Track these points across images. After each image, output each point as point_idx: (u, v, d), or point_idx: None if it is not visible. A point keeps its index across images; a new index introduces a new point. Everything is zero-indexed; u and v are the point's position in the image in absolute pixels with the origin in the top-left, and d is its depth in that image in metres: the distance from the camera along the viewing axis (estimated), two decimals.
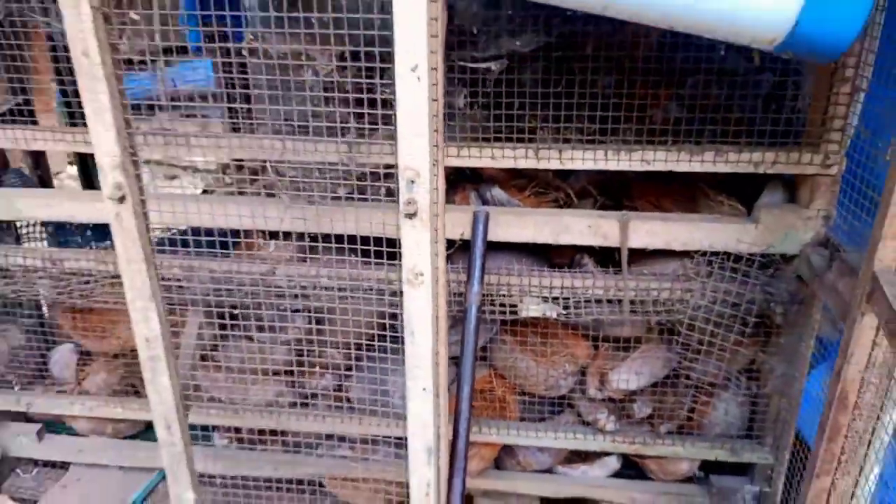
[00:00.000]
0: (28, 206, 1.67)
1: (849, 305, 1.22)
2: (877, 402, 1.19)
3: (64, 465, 2.10)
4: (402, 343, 1.31)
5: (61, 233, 2.04)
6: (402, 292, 1.26)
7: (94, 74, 1.14)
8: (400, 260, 1.26)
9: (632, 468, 1.92)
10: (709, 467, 1.86)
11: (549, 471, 1.91)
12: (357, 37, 1.12)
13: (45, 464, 2.11)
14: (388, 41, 1.08)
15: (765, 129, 1.49)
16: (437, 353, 1.33)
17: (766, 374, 1.69)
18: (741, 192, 1.63)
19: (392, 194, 1.47)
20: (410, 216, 1.18)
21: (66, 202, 1.67)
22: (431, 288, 1.24)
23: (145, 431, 2.07)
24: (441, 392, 1.37)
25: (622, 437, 1.77)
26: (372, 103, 1.20)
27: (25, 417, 2.07)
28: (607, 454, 1.87)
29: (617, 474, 1.90)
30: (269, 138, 1.45)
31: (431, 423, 1.36)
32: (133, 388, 1.94)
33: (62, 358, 1.94)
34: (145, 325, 1.35)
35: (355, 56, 1.12)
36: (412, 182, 1.16)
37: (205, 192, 2.36)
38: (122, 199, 1.23)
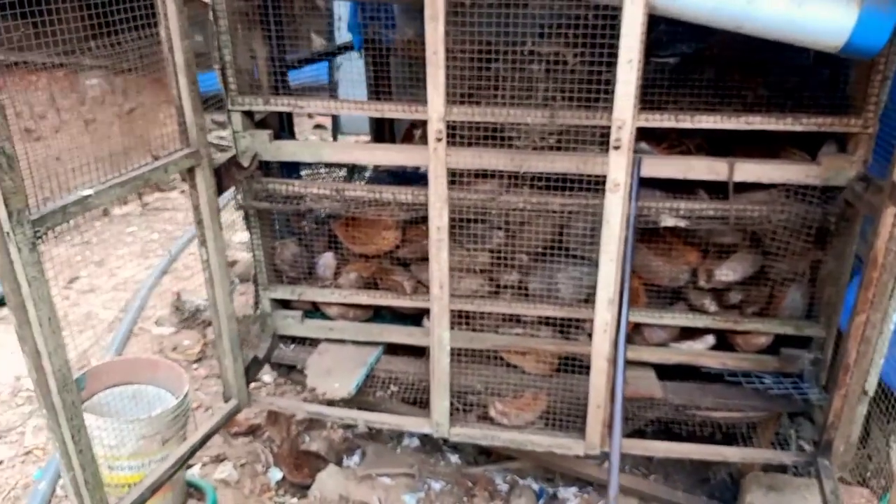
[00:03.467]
0: (329, 153, 2.53)
1: (877, 207, 2.02)
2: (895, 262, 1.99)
3: (312, 343, 2.96)
4: (600, 229, 2.14)
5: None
6: (605, 196, 2.09)
7: (437, 64, 1.99)
8: (574, 191, 2.09)
9: (723, 346, 2.72)
10: (780, 343, 2.65)
11: (664, 345, 2.73)
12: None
13: (298, 341, 2.98)
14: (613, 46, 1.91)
15: (825, 103, 2.30)
16: (622, 238, 2.15)
17: (822, 270, 2.49)
18: (808, 147, 2.43)
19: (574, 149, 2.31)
20: (617, 148, 2.01)
21: (356, 151, 2.53)
22: (625, 194, 2.07)
23: (373, 318, 2.92)
24: (619, 264, 2.19)
25: (720, 317, 2.58)
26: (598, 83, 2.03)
27: (289, 307, 2.93)
28: (707, 332, 2.68)
29: (712, 349, 2.71)
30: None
31: (613, 282, 2.19)
32: (374, 283, 2.79)
33: (325, 262, 2.80)
34: (439, 219, 2.20)
35: (591, 54, 1.96)
36: (620, 128, 1.99)
37: None
38: (439, 140, 2.08)
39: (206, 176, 2.20)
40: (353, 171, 3.13)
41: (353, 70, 4.23)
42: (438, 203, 2.18)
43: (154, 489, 2.20)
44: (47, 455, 3.17)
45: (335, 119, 7.04)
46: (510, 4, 1.99)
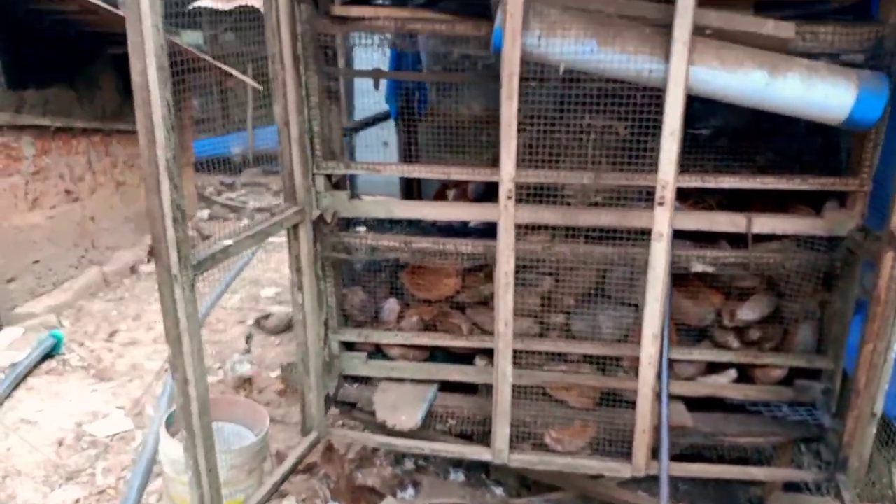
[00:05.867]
0: (400, 210, 2.91)
1: (877, 253, 2.43)
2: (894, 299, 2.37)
3: (370, 383, 3.26)
4: (640, 275, 2.52)
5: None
6: (651, 245, 2.47)
7: (510, 135, 2.38)
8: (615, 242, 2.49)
9: (743, 379, 3.07)
10: (793, 375, 3.01)
11: (692, 379, 3.08)
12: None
13: (357, 380, 3.28)
14: (657, 120, 2.33)
15: (822, 165, 2.73)
16: (665, 281, 2.52)
17: (829, 309, 2.87)
18: (809, 202, 2.85)
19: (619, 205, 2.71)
20: (661, 204, 2.41)
21: (424, 208, 2.90)
22: (667, 243, 2.46)
23: (430, 358, 3.24)
24: (662, 304, 2.56)
25: (742, 352, 2.94)
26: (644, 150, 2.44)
27: (353, 349, 3.24)
28: (729, 366, 3.03)
29: (734, 382, 3.06)
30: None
31: (658, 319, 2.55)
32: (434, 325, 3.12)
33: (390, 306, 3.13)
34: (506, 265, 2.56)
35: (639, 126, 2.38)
36: (664, 187, 2.39)
37: None
38: (510, 198, 2.46)
39: (308, 230, 2.55)
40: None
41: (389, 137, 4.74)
42: (507, 251, 2.55)
43: None
44: (120, 494, 3.40)
45: (351, 179, 7.51)
46: (569, 84, 2.41)
